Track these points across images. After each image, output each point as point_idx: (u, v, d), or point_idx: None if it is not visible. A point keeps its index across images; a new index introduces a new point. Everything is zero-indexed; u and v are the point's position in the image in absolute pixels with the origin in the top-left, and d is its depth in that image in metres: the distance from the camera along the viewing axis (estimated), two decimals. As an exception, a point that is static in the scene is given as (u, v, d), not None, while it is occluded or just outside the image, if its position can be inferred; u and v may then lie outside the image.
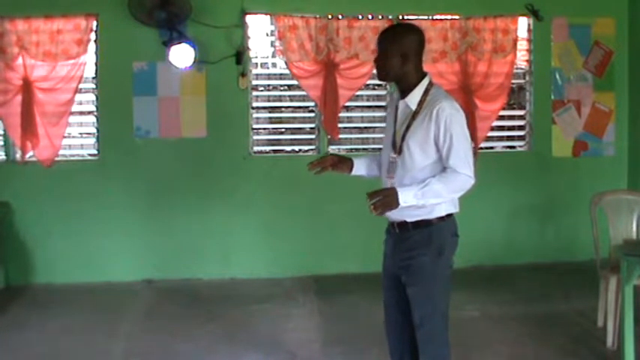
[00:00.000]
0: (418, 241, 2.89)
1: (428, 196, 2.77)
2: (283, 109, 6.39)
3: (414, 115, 2.88)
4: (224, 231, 6.00)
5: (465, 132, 2.85)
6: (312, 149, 6.16)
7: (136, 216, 5.91)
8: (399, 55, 2.87)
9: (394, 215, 2.88)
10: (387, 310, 3.12)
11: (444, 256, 2.91)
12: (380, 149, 3.17)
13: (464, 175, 2.80)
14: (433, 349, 2.94)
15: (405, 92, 2.93)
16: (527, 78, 6.42)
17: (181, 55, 5.61)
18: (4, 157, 5.86)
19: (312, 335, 4.57)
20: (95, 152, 5.96)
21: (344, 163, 3.15)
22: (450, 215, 2.92)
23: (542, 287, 5.62)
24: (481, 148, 6.20)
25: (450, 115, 2.80)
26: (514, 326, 4.66)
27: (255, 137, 6.17)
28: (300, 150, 6.25)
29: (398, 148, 2.91)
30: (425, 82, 2.91)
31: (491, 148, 6.43)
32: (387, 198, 2.77)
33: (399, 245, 2.96)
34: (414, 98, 2.89)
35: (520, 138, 6.50)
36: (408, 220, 2.88)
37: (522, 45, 6.31)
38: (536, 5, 6.20)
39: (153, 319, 4.95)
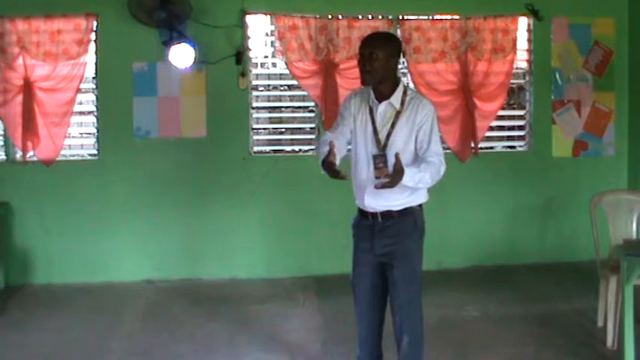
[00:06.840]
0: (404, 227, 3.20)
1: (417, 179, 3.07)
2: (283, 109, 6.39)
3: (398, 113, 3.18)
4: (224, 231, 6.00)
5: (438, 125, 3.26)
6: (312, 149, 6.15)
7: (136, 216, 5.91)
8: (385, 59, 3.15)
9: (379, 206, 3.19)
10: (361, 297, 3.33)
11: (422, 238, 3.28)
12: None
13: (439, 161, 3.14)
14: (416, 323, 3.21)
15: (384, 94, 3.21)
16: (527, 78, 6.42)
17: (181, 55, 5.61)
18: (4, 157, 5.85)
19: (312, 335, 4.57)
20: (95, 152, 5.95)
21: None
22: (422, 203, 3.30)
23: (543, 287, 5.62)
24: (481, 148, 6.20)
25: (430, 110, 3.19)
26: (514, 326, 4.65)
27: (255, 137, 6.16)
28: (300, 150, 6.25)
29: (383, 144, 3.17)
30: (402, 85, 3.25)
31: (491, 148, 6.43)
32: (395, 177, 2.98)
33: (381, 233, 3.21)
34: (397, 98, 3.20)
35: (520, 138, 6.49)
36: (394, 209, 3.19)
37: (522, 45, 6.31)
38: (536, 5, 6.20)
39: (153, 319, 4.95)
